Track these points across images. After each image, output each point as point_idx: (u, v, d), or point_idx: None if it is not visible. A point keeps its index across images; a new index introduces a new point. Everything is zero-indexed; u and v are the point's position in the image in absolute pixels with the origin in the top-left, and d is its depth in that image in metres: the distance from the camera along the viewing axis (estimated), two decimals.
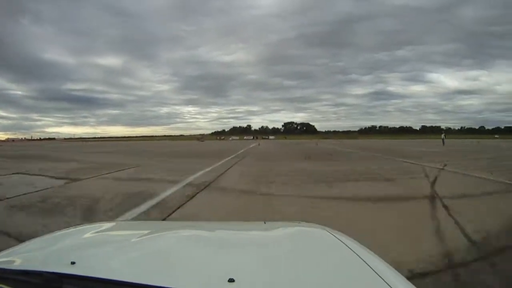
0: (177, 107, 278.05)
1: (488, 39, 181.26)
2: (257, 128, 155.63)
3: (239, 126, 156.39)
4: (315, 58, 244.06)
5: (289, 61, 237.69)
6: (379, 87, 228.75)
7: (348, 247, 0.99)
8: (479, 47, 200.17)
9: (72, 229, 1.27)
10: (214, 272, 0.78)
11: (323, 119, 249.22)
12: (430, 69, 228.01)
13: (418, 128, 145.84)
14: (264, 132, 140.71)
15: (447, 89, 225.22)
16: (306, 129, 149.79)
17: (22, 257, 0.95)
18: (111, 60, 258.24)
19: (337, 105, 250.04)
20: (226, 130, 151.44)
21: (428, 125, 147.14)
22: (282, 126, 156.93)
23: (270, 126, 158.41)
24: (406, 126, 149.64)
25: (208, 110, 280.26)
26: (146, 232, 1.21)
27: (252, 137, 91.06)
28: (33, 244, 1.09)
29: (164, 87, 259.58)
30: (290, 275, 0.79)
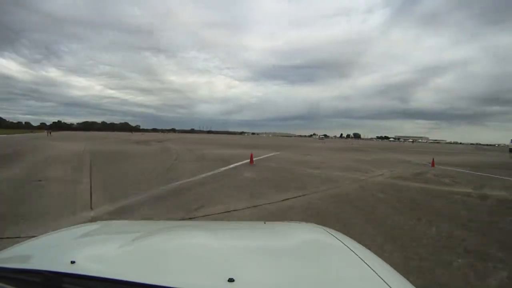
0: None
1: None
2: None
3: None
4: None
5: None
6: None
7: (347, 246, 1.00)
8: None
9: (72, 229, 1.25)
10: (214, 271, 0.78)
11: None
12: None
13: None
14: None
15: None
16: None
17: (23, 256, 0.94)
18: None
19: None
20: None
21: None
22: None
23: None
24: None
25: None
26: (145, 231, 1.19)
27: None
28: (33, 243, 1.08)
29: None
30: (290, 275, 0.78)
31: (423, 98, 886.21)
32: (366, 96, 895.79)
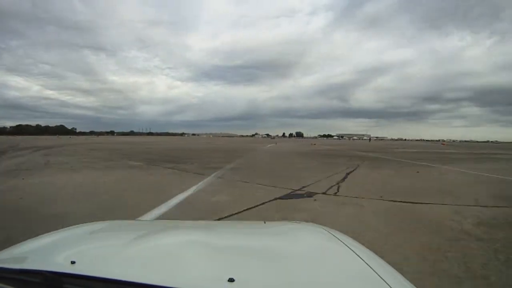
0: None
1: None
2: None
3: None
4: None
5: None
6: None
7: (347, 246, 0.98)
8: None
9: (72, 228, 1.25)
10: (214, 271, 0.77)
11: None
12: None
13: None
14: None
15: None
16: None
17: (22, 256, 0.93)
18: None
19: None
20: None
21: None
22: None
23: None
24: None
25: None
26: (146, 231, 1.17)
27: None
28: (33, 243, 1.07)
29: None
30: (290, 275, 0.77)
31: (364, 97, 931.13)
32: (307, 96, 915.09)
